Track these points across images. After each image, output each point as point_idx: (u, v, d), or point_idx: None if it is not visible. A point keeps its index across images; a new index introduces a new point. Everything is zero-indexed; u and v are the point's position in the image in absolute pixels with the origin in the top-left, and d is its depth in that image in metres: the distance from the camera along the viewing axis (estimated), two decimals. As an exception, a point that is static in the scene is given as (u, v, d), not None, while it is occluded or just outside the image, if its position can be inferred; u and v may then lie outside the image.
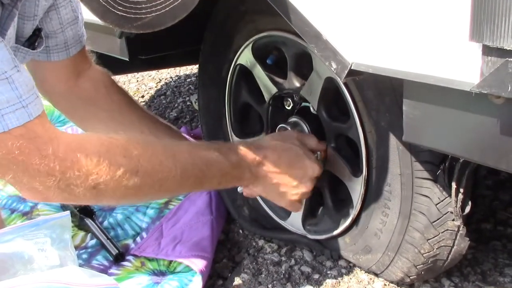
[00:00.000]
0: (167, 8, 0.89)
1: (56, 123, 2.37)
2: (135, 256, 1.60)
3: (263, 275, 1.49)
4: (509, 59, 0.74)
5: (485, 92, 0.78)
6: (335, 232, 1.43)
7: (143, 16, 0.88)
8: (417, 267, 1.29)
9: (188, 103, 2.87)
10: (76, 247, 1.61)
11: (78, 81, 1.41)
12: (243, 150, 1.19)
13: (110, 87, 1.45)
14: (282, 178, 1.23)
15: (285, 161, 1.23)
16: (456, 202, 1.16)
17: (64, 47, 1.35)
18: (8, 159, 0.92)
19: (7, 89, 0.89)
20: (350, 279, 1.45)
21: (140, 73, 3.38)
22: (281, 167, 1.22)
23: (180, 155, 1.09)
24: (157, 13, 0.89)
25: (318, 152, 1.35)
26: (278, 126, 1.46)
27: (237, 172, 1.18)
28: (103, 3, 0.86)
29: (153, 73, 3.40)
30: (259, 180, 1.21)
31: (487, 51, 0.76)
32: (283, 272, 1.49)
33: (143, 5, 0.88)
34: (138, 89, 3.22)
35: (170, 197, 1.71)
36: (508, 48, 0.73)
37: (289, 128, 1.42)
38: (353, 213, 1.36)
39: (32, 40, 1.16)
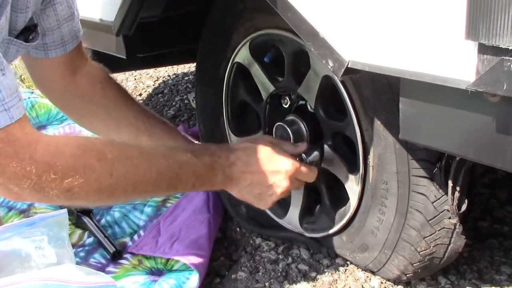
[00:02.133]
0: None
1: (54, 121, 2.37)
2: (132, 254, 1.60)
3: (260, 273, 1.49)
4: (504, 58, 0.74)
5: (481, 90, 0.78)
6: (332, 230, 1.43)
7: None
8: (414, 265, 1.29)
9: (185, 101, 2.87)
10: (74, 245, 1.61)
11: (75, 78, 1.41)
12: (216, 152, 1.18)
13: (106, 83, 1.44)
14: (255, 178, 1.21)
15: (258, 161, 1.20)
16: (453, 200, 1.16)
17: (61, 43, 1.34)
18: None
19: None
20: (347, 277, 1.46)
21: (137, 71, 3.38)
22: (254, 167, 1.20)
23: (155, 159, 1.09)
24: None
25: (304, 155, 1.32)
26: (276, 124, 1.47)
27: (211, 174, 1.17)
28: None
29: (150, 71, 3.40)
30: (233, 181, 1.20)
31: (483, 49, 0.76)
32: (280, 270, 1.49)
33: None
34: (136, 87, 3.22)
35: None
36: (503, 47, 0.73)
37: (286, 126, 1.42)
38: (350, 211, 1.36)
39: (27, 34, 1.15)
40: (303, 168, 1.26)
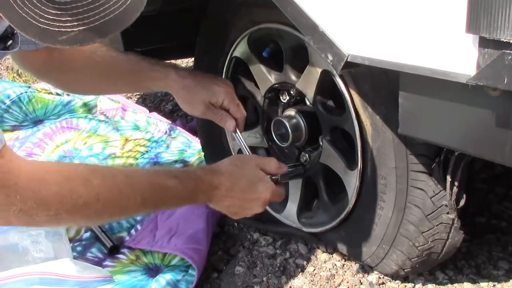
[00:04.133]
0: (97, 23, 0.81)
1: (51, 116, 2.37)
2: (130, 248, 1.59)
3: (258, 268, 1.49)
4: (505, 51, 0.73)
5: (482, 84, 0.78)
6: (330, 225, 1.43)
7: (68, 30, 0.80)
8: (412, 260, 1.29)
9: (183, 96, 2.86)
10: (71, 240, 1.60)
11: (52, 51, 1.41)
12: (200, 177, 1.22)
13: (76, 48, 1.42)
14: (234, 202, 1.27)
15: (239, 188, 1.25)
16: (451, 195, 1.16)
17: (34, 42, 1.34)
18: None
19: None
20: (345, 272, 1.46)
21: (135, 66, 3.36)
22: (234, 193, 1.25)
23: (139, 185, 1.13)
24: (84, 27, 0.80)
25: (278, 175, 1.34)
26: (274, 119, 1.46)
27: (193, 197, 1.23)
28: (24, 14, 0.77)
29: (148, 66, 3.38)
30: (212, 202, 1.26)
31: (484, 43, 0.76)
32: (278, 265, 1.49)
33: (68, 18, 0.79)
34: (133, 82, 3.21)
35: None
36: (504, 40, 0.73)
37: (285, 121, 1.42)
38: (348, 206, 1.36)
39: (6, 40, 1.15)
40: (277, 191, 1.31)
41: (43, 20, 0.79)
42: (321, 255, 1.52)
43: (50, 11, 0.78)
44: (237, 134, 1.45)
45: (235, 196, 1.25)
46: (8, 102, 2.31)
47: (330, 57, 0.99)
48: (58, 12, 0.79)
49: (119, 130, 2.26)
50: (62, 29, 0.79)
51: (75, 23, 0.80)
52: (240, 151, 1.63)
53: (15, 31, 1.18)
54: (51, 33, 0.79)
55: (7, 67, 3.47)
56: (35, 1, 0.77)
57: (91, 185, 1.04)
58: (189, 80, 1.42)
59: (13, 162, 0.98)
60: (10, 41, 1.16)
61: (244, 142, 1.45)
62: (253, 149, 1.58)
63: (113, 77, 1.47)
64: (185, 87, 1.42)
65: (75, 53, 1.42)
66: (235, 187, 1.25)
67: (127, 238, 1.64)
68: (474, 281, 1.40)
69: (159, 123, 2.26)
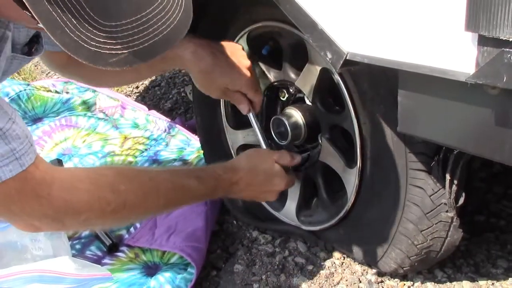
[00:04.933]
0: (146, 44, 0.82)
1: (50, 113, 2.36)
2: (129, 246, 1.59)
3: (257, 266, 1.49)
4: (505, 49, 0.73)
5: (481, 82, 0.78)
6: (329, 223, 1.43)
7: (119, 52, 0.81)
8: (411, 258, 1.29)
9: (182, 94, 2.86)
10: (70, 238, 1.60)
11: None
12: (221, 176, 1.28)
13: None
14: (250, 194, 1.37)
15: (257, 182, 1.34)
16: (450, 193, 1.16)
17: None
18: (6, 203, 0.99)
19: (1, 145, 0.94)
20: (344, 270, 1.46)
21: (134, 64, 3.35)
22: (252, 187, 1.34)
23: (163, 186, 1.19)
24: (134, 49, 0.82)
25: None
26: (273, 117, 1.46)
27: (213, 194, 1.31)
28: (75, 38, 0.79)
29: (147, 64, 3.37)
30: (230, 195, 1.35)
31: (483, 41, 0.76)
32: (277, 263, 1.49)
33: (119, 40, 0.80)
34: (133, 80, 3.20)
35: None
36: (504, 38, 0.73)
37: (284, 119, 1.41)
38: (347, 204, 1.36)
39: (31, 45, 1.17)
40: (290, 181, 1.40)
41: (94, 43, 0.80)
42: (320, 253, 1.52)
43: (101, 34, 0.79)
44: (250, 115, 1.45)
45: (252, 188, 1.34)
46: (6, 99, 2.30)
47: (329, 55, 0.99)
48: (109, 35, 0.80)
49: (118, 128, 2.26)
50: (112, 51, 0.81)
51: (125, 45, 0.81)
52: (239, 149, 1.63)
53: (41, 35, 1.20)
54: (102, 55, 0.80)
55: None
56: (86, 25, 0.78)
57: (118, 192, 1.09)
58: (207, 63, 1.34)
59: (47, 172, 1.03)
60: (36, 46, 1.18)
61: (257, 123, 1.46)
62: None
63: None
64: (201, 70, 1.36)
65: None
66: (253, 182, 1.33)
67: (126, 236, 1.64)
68: (473, 280, 1.40)
69: (158, 121, 2.26)
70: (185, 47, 1.35)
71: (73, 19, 0.77)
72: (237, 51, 1.39)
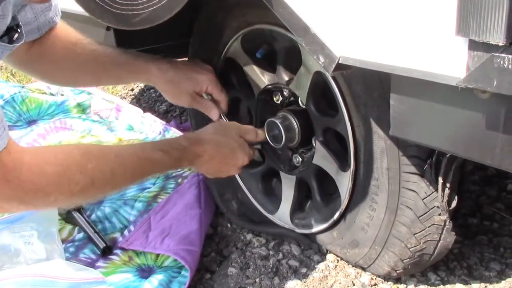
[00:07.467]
0: (163, 2, 0.91)
1: (44, 116, 2.36)
2: (123, 249, 1.59)
3: (250, 269, 1.49)
4: (495, 54, 0.74)
5: (471, 86, 0.78)
6: (323, 226, 1.43)
7: (140, 12, 0.89)
8: (404, 261, 1.29)
9: (178, 96, 2.86)
10: (63, 241, 1.60)
11: (32, 44, 1.42)
12: (186, 148, 1.31)
13: (56, 39, 1.45)
14: (214, 167, 1.39)
15: (220, 155, 1.37)
16: (443, 196, 1.17)
17: (37, 30, 1.38)
18: None
19: None
20: (338, 273, 1.46)
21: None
22: (215, 160, 1.37)
23: (129, 161, 1.21)
24: (154, 7, 0.90)
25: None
26: (267, 120, 1.46)
27: (177, 165, 1.34)
28: (100, 3, 0.87)
29: (143, 66, 3.37)
30: (193, 166, 1.38)
31: (473, 45, 0.76)
32: (271, 266, 1.49)
33: (139, 1, 0.89)
34: (128, 82, 3.20)
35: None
36: (494, 43, 0.73)
37: (278, 122, 1.42)
38: (340, 207, 1.36)
39: (11, 34, 1.18)
40: (252, 156, 1.44)
41: (117, 6, 0.88)
42: (313, 256, 1.52)
43: None
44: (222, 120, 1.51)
45: (216, 161, 1.37)
46: (1, 102, 2.30)
47: (321, 59, 0.99)
48: None
49: (113, 131, 2.26)
50: (135, 12, 0.89)
51: (146, 5, 0.89)
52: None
53: (20, 24, 1.20)
54: (125, 16, 0.89)
55: (1, 67, 3.45)
56: None
57: (86, 171, 1.11)
58: (171, 73, 1.47)
59: (17, 157, 1.04)
60: (16, 35, 1.19)
61: None
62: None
63: (93, 69, 1.50)
64: (168, 81, 1.48)
65: (55, 45, 1.44)
66: (217, 154, 1.36)
67: (120, 239, 1.63)
68: (466, 282, 1.41)
69: (153, 124, 2.26)
70: (149, 65, 1.47)
71: None
72: (195, 59, 1.53)
